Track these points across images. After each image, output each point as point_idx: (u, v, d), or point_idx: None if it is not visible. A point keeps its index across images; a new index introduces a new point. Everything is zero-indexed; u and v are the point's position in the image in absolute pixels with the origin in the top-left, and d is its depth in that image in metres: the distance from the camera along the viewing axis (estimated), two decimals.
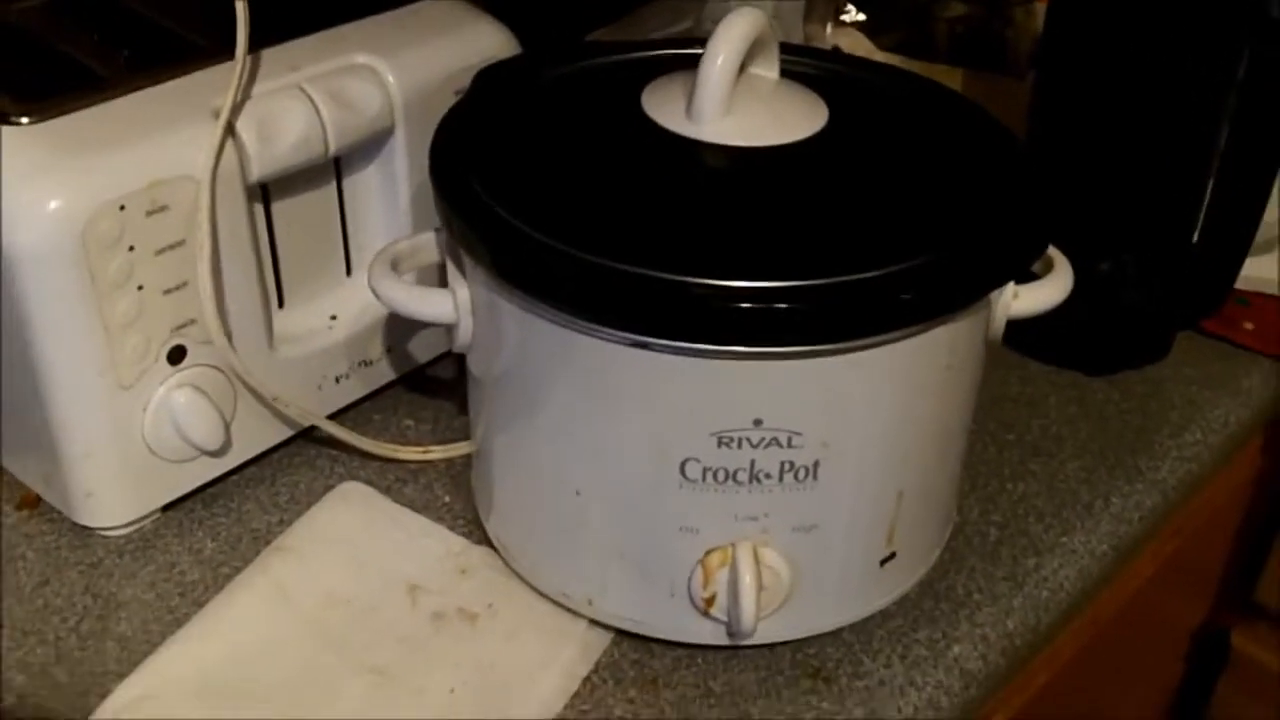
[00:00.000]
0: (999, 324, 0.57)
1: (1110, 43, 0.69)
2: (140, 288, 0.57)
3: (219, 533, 0.63)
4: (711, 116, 0.54)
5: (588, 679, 0.57)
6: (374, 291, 0.57)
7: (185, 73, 0.59)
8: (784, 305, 0.47)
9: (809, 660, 0.59)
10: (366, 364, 0.68)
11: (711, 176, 0.54)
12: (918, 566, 0.61)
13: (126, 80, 0.58)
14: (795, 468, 0.52)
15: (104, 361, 0.57)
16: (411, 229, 0.67)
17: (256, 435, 0.65)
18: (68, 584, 0.60)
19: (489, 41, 0.67)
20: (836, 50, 0.80)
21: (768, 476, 0.52)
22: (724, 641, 0.57)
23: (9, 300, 0.55)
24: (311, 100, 0.60)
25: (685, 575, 0.55)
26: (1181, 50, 0.67)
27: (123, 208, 0.55)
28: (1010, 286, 0.56)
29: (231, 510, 0.64)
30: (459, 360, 0.71)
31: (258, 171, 0.59)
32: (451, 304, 0.55)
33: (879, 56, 0.89)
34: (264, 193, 0.62)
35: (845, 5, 0.90)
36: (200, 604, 0.59)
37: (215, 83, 0.59)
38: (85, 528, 0.62)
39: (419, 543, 0.63)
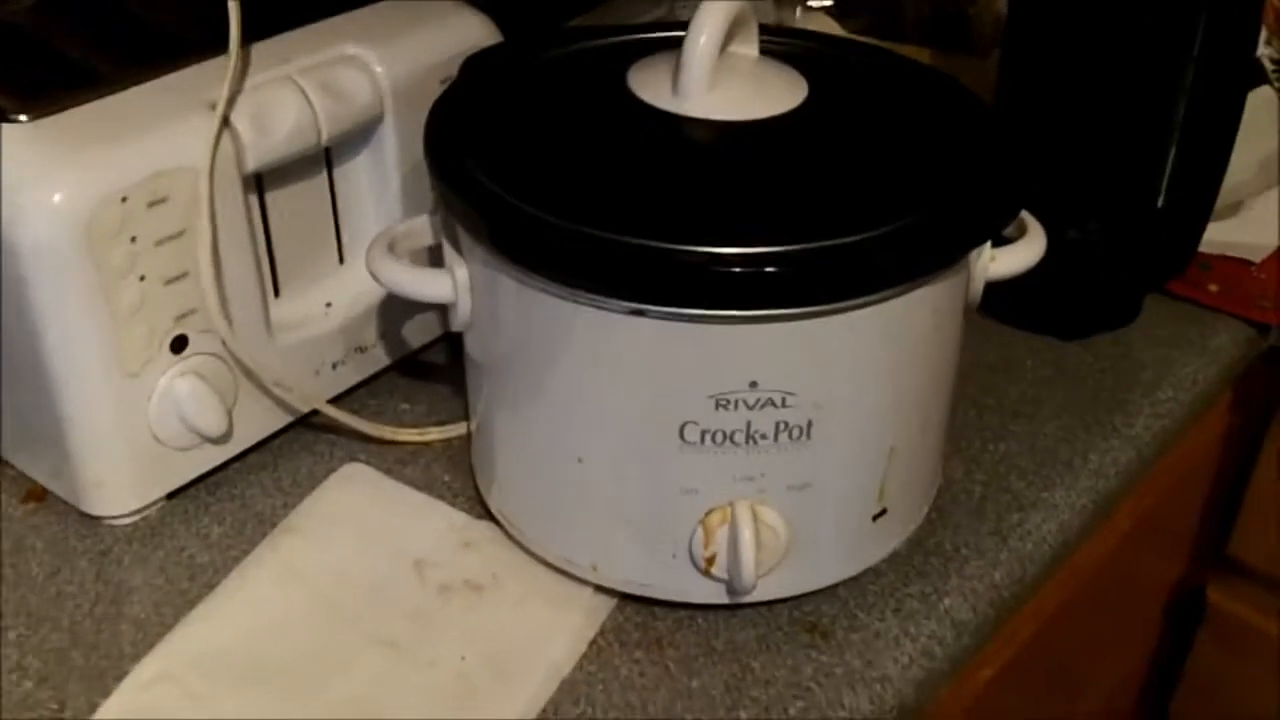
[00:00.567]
0: (978, 286, 0.59)
1: (1072, 19, 0.71)
2: (143, 278, 0.58)
3: (225, 518, 0.64)
4: (696, 92, 0.56)
5: (594, 642, 0.59)
6: (373, 274, 0.58)
7: (180, 67, 0.61)
8: (774, 269, 0.49)
9: (806, 617, 0.61)
10: (361, 350, 0.70)
11: (698, 150, 0.56)
12: (908, 523, 0.63)
13: (123, 76, 0.60)
14: (790, 427, 0.54)
15: (110, 352, 0.59)
16: (402, 215, 0.68)
17: (258, 421, 0.66)
18: (79, 572, 0.61)
19: (472, 31, 0.68)
20: (815, 31, 0.82)
21: (764, 437, 0.54)
22: (724, 600, 0.58)
23: (16, 296, 0.57)
24: (303, 91, 0.62)
25: (686, 536, 0.56)
26: (1140, 24, 0.70)
27: (124, 200, 0.56)
28: (987, 249, 0.59)
29: (236, 496, 0.66)
30: (452, 344, 0.73)
31: (254, 161, 0.61)
32: (450, 283, 0.57)
33: None
34: (258, 184, 0.63)
35: None
36: (211, 586, 0.61)
37: (210, 77, 0.60)
38: (93, 517, 0.63)
39: (422, 519, 0.64)
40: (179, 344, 0.61)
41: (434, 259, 0.60)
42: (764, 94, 0.57)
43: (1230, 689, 1.01)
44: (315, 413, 0.68)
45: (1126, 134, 0.73)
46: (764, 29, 0.61)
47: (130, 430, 0.61)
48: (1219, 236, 0.86)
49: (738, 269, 0.49)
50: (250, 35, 0.61)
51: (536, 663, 0.58)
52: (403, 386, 0.73)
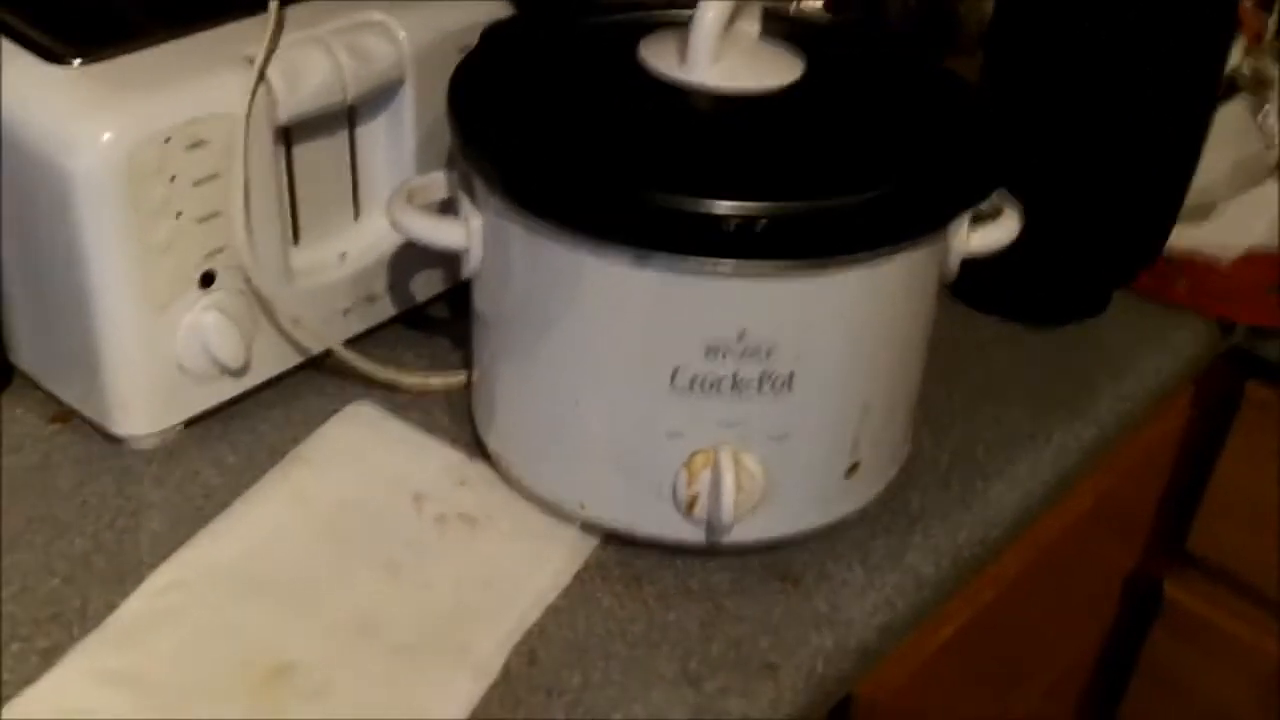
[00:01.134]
0: (954, 260, 0.64)
1: (1052, 23, 0.76)
2: (178, 215, 0.62)
3: (239, 446, 0.69)
4: (702, 64, 0.60)
5: (578, 575, 0.63)
6: (394, 221, 0.63)
7: (221, 24, 0.65)
8: (765, 223, 0.54)
9: (778, 564, 0.65)
10: (371, 299, 0.74)
11: (700, 116, 0.61)
12: (877, 481, 0.67)
13: (169, 31, 0.64)
14: (773, 378, 0.58)
15: (143, 282, 0.63)
16: (415, 174, 0.72)
17: (273, 359, 0.70)
18: (102, 486, 0.66)
19: (490, 5, 0.73)
20: (810, 15, 0.86)
21: (748, 386, 0.58)
22: (702, 541, 0.63)
23: (62, 225, 0.61)
24: (332, 51, 0.66)
25: (671, 477, 0.61)
26: (1115, 30, 0.74)
27: (167, 141, 0.61)
28: (964, 226, 0.63)
29: (250, 428, 0.70)
30: (454, 300, 0.78)
31: (285, 113, 0.65)
32: (464, 231, 0.61)
33: None
34: (286, 136, 0.68)
35: None
36: (223, 506, 0.65)
37: (248, 34, 0.64)
38: (117, 438, 0.67)
39: (422, 456, 0.69)
40: (207, 279, 0.65)
41: (446, 212, 0.64)
42: (764, 68, 0.62)
43: (1184, 684, 1.05)
44: (326, 356, 0.72)
45: (1098, 132, 0.77)
46: (769, 12, 0.66)
47: (157, 357, 0.65)
48: (1191, 238, 0.90)
49: (732, 221, 0.54)
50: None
51: (524, 590, 0.62)
52: (408, 337, 0.77)
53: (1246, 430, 0.94)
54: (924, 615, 0.67)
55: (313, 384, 0.73)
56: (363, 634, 0.59)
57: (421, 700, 0.57)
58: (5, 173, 0.62)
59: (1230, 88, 0.98)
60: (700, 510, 0.61)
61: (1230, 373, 0.92)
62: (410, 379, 0.72)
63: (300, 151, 0.69)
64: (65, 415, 0.69)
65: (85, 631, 0.58)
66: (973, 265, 0.71)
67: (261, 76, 0.63)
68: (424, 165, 0.73)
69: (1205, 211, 0.94)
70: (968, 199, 0.60)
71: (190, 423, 0.69)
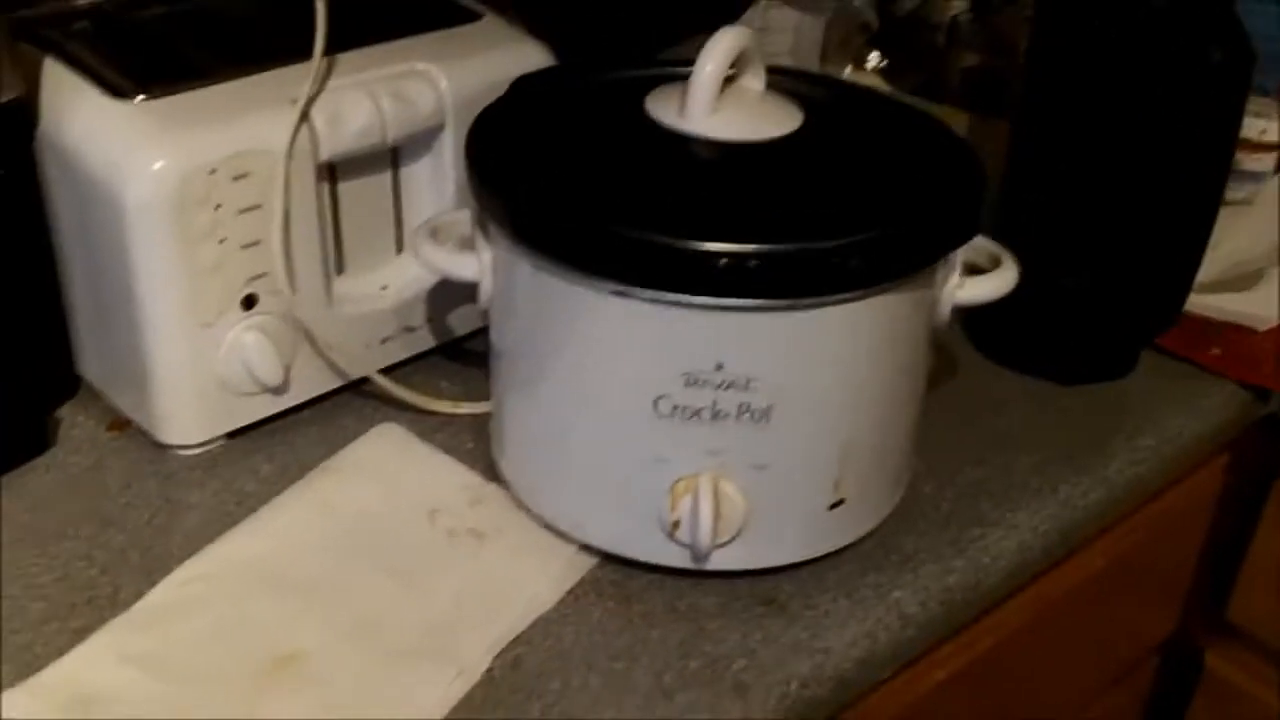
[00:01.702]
0: (945, 307, 0.67)
1: (1080, 92, 0.78)
2: (223, 241, 0.69)
3: (274, 459, 0.74)
4: (700, 114, 0.65)
5: (572, 591, 0.67)
6: (415, 253, 0.68)
7: (269, 68, 0.71)
8: (743, 263, 0.57)
9: (765, 591, 0.68)
10: (410, 330, 0.79)
11: (696, 163, 0.65)
12: (866, 519, 0.70)
13: (221, 71, 0.71)
14: (751, 410, 0.62)
15: (189, 302, 0.69)
16: None
17: (312, 380, 0.76)
18: (146, 488, 0.72)
19: (529, 57, 0.78)
20: (825, 75, 0.90)
21: (727, 416, 0.62)
22: (688, 565, 0.66)
23: (117, 247, 0.67)
24: (375, 96, 0.72)
25: (656, 502, 0.64)
26: (1140, 100, 0.77)
27: (213, 172, 0.67)
28: (955, 274, 0.66)
29: (286, 443, 0.75)
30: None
31: (326, 152, 0.71)
32: (476, 264, 0.66)
33: None
34: (332, 174, 0.74)
35: (868, 51, 1.01)
36: (254, 511, 0.70)
37: (294, 78, 0.70)
38: (164, 446, 0.74)
39: (441, 476, 0.73)
40: (249, 302, 0.71)
41: (468, 248, 0.69)
42: (761, 120, 0.66)
43: None
44: (364, 381, 0.77)
45: (1121, 196, 0.80)
46: (774, 69, 0.70)
47: (201, 373, 0.71)
48: (1232, 305, 0.91)
49: (715, 261, 0.57)
50: (334, 47, 0.72)
51: (518, 600, 0.66)
52: (444, 367, 0.82)
53: None
54: (910, 654, 0.69)
55: (350, 405, 0.78)
56: (364, 632, 0.64)
57: (408, 694, 0.61)
58: (71, 197, 0.69)
59: None
60: (683, 534, 0.64)
61: (1269, 439, 0.92)
62: (439, 405, 0.77)
63: (346, 187, 0.75)
64: (122, 423, 0.75)
65: (114, 615, 0.64)
66: (999, 322, 0.73)
67: (304, 117, 0.69)
68: (463, 204, 0.78)
69: (1252, 280, 0.95)
70: (941, 246, 0.63)
71: (232, 435, 0.75)
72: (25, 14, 0.75)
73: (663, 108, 0.67)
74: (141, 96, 0.68)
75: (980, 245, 0.69)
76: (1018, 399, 0.84)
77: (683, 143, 0.65)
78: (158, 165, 0.66)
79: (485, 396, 0.78)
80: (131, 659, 0.62)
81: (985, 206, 0.65)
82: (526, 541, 0.69)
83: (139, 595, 0.65)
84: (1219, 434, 0.87)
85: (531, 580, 0.67)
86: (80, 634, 0.63)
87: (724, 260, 0.57)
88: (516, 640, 0.64)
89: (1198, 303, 0.88)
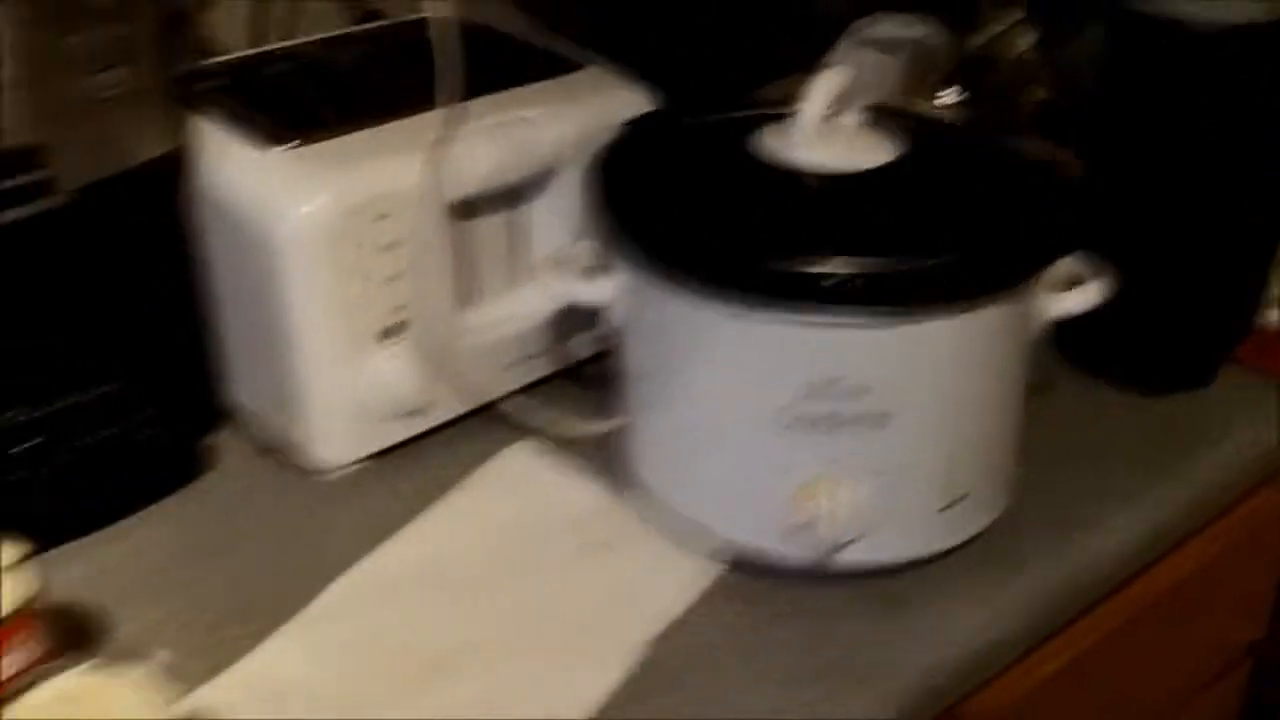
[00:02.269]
0: (1042, 318, 0.71)
1: (1152, 113, 0.83)
2: (366, 276, 0.74)
3: (414, 478, 0.79)
4: (804, 148, 0.70)
5: (703, 594, 0.72)
6: (546, 284, 0.73)
7: (399, 117, 0.78)
8: (855, 282, 0.63)
9: (884, 589, 0.72)
10: (532, 357, 0.84)
11: (804, 193, 0.70)
12: (976, 520, 0.74)
13: (361, 121, 0.77)
14: (869, 417, 0.66)
15: (337, 333, 0.75)
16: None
17: (446, 405, 0.81)
18: (297, 508, 0.77)
19: (635, 103, 0.84)
20: (913, 109, 0.95)
21: (846, 424, 0.66)
22: (811, 566, 0.70)
23: (272, 284, 0.73)
24: (496, 142, 0.78)
25: (781, 507, 0.69)
26: (1208, 119, 0.81)
27: (356, 213, 0.73)
28: (1049, 289, 0.71)
29: (424, 464, 0.80)
30: (607, 359, 0.87)
31: (454, 193, 0.77)
32: (605, 290, 0.72)
33: None
34: (460, 212, 0.79)
35: (943, 87, 1.06)
36: (397, 528, 0.75)
37: (423, 126, 0.76)
38: (310, 469, 0.79)
39: (570, 493, 0.79)
40: (390, 331, 0.76)
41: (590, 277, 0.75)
42: (861, 152, 0.71)
43: None
44: (492, 405, 0.83)
45: (1193, 217, 0.84)
46: (875, 107, 0.75)
47: (347, 399, 0.77)
48: None
49: (823, 280, 0.63)
50: (461, 97, 0.77)
51: (654, 604, 0.70)
52: (568, 390, 0.87)
53: None
54: (1021, 647, 0.73)
55: (482, 427, 0.83)
56: (519, 629, 0.69)
57: (558, 690, 0.65)
58: (224, 239, 0.75)
59: None
60: (807, 537, 0.69)
61: None
62: (565, 425, 0.82)
63: (472, 225, 0.81)
64: (271, 449, 0.81)
65: (285, 620, 0.69)
66: (1089, 335, 0.78)
67: (435, 162, 0.75)
68: (579, 238, 0.83)
69: None
70: (1035, 262, 0.68)
71: (372, 457, 0.80)
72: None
73: (770, 144, 0.72)
74: (287, 146, 0.74)
75: (1072, 262, 0.73)
76: (1109, 409, 0.88)
77: (790, 175, 0.70)
78: (307, 209, 0.72)
79: (605, 417, 0.83)
80: (313, 654, 0.67)
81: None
82: (657, 551, 0.74)
83: (307, 601, 0.70)
84: None
85: (665, 586, 0.72)
86: (257, 636, 0.68)
87: (834, 279, 0.63)
88: (656, 639, 0.68)
89: (1275, 317, 0.92)
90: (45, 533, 0.69)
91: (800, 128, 0.70)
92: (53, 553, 0.71)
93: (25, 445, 0.73)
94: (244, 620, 0.69)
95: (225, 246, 0.76)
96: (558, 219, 0.83)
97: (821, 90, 0.71)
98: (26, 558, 0.60)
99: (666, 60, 0.92)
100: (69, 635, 0.66)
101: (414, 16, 0.88)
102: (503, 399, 0.82)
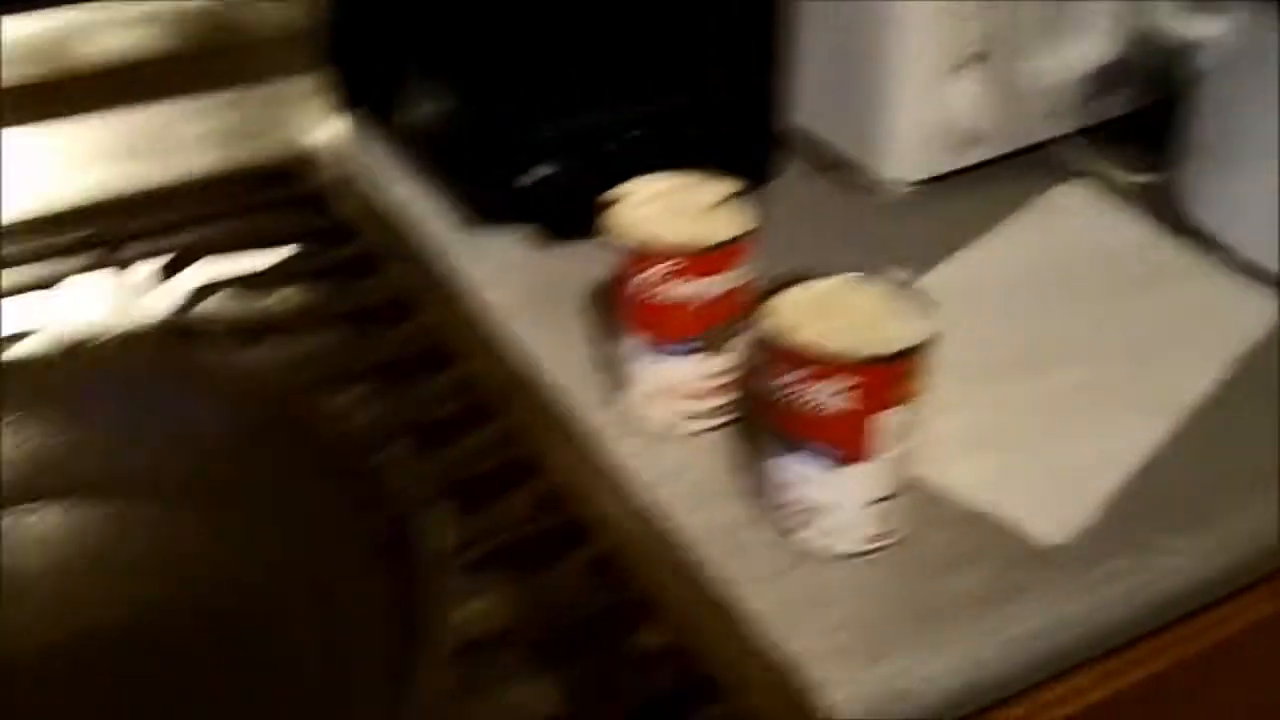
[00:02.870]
0: None
1: None
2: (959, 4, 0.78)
3: (968, 207, 0.83)
4: None
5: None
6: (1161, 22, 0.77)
7: None
8: None
9: None
10: (1094, 99, 0.86)
11: None
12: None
13: None
14: None
15: (928, 55, 0.79)
16: None
17: (1008, 138, 0.85)
18: (859, 222, 0.82)
19: None
20: None
21: None
22: None
23: (872, 10, 0.78)
24: None
25: None
26: None
27: None
28: None
29: (980, 192, 0.84)
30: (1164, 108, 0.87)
31: None
32: (1213, 27, 0.74)
33: None
34: None
35: None
36: (952, 248, 0.79)
37: None
38: (871, 187, 0.84)
39: (1122, 228, 0.82)
40: (974, 59, 0.80)
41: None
42: None
43: None
44: (1047, 144, 0.86)
45: None
46: None
47: (925, 118, 0.81)
48: None
49: None
50: None
51: (1229, 326, 0.73)
52: (1119, 138, 0.88)
53: None
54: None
55: (1039, 163, 0.86)
56: (1096, 337, 0.72)
57: (1115, 430, 0.66)
58: None
59: None
60: None
61: None
62: (1120, 176, 0.84)
63: None
64: (834, 164, 0.86)
65: None
66: None
67: None
68: None
69: None
70: None
71: (929, 182, 0.84)
72: None
73: None
74: None
75: None
76: None
77: None
78: None
79: (1150, 169, 0.84)
80: None
81: None
82: (1214, 286, 0.76)
83: None
84: None
85: (1238, 311, 0.74)
86: None
87: None
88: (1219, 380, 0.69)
89: None
90: None
91: None
92: None
93: (628, 136, 0.80)
94: None
95: None
96: None
97: None
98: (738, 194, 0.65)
99: None
100: None
101: None
102: (1056, 140, 0.84)
